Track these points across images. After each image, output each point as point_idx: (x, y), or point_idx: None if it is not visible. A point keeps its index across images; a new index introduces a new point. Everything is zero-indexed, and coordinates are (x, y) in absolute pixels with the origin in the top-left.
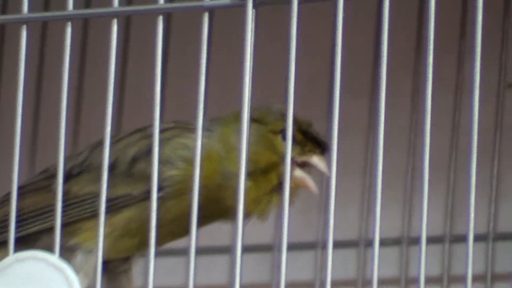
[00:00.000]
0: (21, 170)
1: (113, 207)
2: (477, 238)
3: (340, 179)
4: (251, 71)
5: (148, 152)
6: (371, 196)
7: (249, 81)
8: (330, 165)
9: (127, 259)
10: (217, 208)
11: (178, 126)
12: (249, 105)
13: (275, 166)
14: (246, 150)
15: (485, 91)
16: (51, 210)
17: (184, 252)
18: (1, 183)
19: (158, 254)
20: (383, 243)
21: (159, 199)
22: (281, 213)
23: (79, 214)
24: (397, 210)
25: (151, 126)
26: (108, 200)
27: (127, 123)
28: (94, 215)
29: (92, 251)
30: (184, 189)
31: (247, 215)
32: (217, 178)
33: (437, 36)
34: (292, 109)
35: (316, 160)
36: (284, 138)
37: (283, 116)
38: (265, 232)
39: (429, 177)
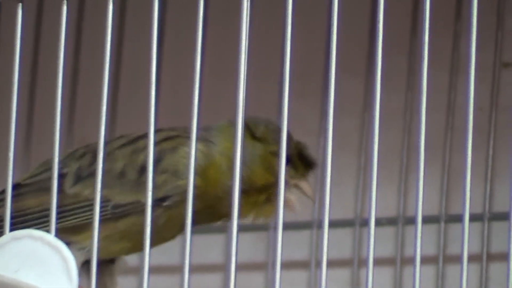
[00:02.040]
0: (16, 163)
1: (121, 212)
2: (473, 217)
3: (336, 158)
4: (245, 70)
5: (157, 161)
6: (367, 175)
7: (244, 72)
8: (325, 146)
9: (112, 260)
10: (212, 213)
11: (181, 134)
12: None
13: (269, 186)
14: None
15: (481, 71)
16: (62, 211)
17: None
18: None
19: None
20: (378, 222)
21: (165, 207)
22: (277, 193)
23: (90, 218)
24: (393, 189)
25: (158, 131)
26: (118, 206)
27: (122, 114)
28: (105, 219)
29: (83, 249)
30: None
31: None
32: (217, 190)
33: (433, 16)
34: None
35: (305, 186)
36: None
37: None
38: None
39: (424, 157)
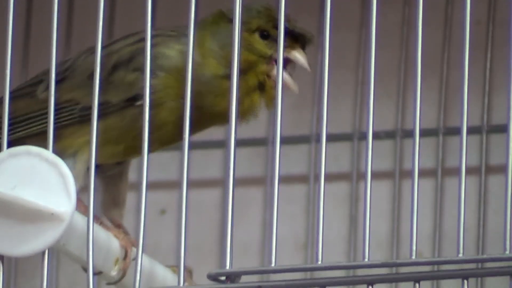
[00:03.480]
0: (14, 74)
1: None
2: (471, 130)
3: (333, 73)
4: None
5: (129, 60)
6: (364, 90)
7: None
8: (322, 61)
9: (120, 163)
10: (199, 115)
11: (160, 33)
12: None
13: (253, 65)
14: (225, 52)
15: None
16: (35, 116)
17: (178, 146)
18: None
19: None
20: (377, 136)
21: (139, 107)
22: (274, 107)
23: (60, 121)
24: (390, 103)
25: (135, 33)
26: (87, 108)
27: (119, 26)
28: (73, 122)
29: (76, 155)
30: (164, 98)
31: (227, 120)
32: (196, 85)
33: None
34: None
35: (295, 55)
36: (261, 36)
37: (259, 14)
38: (259, 126)
39: (422, 71)
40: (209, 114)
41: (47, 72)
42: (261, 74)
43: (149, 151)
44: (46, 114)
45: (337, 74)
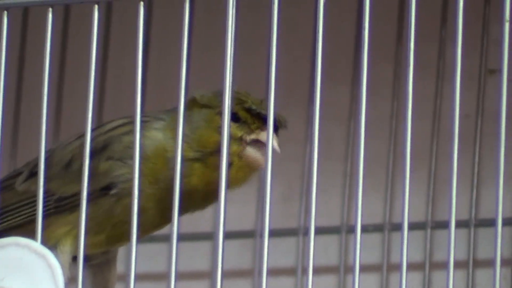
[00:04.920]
0: (3, 163)
1: (69, 204)
2: (459, 224)
3: (322, 165)
4: (232, 58)
5: (102, 148)
6: (352, 182)
7: (230, 67)
8: (311, 154)
9: (106, 251)
10: (190, 197)
11: (131, 121)
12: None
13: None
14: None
15: (466, 78)
16: (15, 208)
17: (166, 238)
18: None
19: (140, 241)
20: (365, 229)
21: (114, 196)
22: (263, 200)
23: (34, 213)
24: (379, 196)
25: (110, 122)
26: (62, 199)
27: (109, 111)
28: (49, 214)
29: (57, 247)
30: (140, 186)
31: (202, 198)
32: (168, 169)
33: (418, 23)
34: (231, 87)
35: (265, 136)
36: (232, 119)
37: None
38: (247, 218)
39: (410, 164)
40: (186, 195)
41: (26, 164)
42: (232, 155)
43: (127, 240)
44: (24, 206)
45: (326, 165)
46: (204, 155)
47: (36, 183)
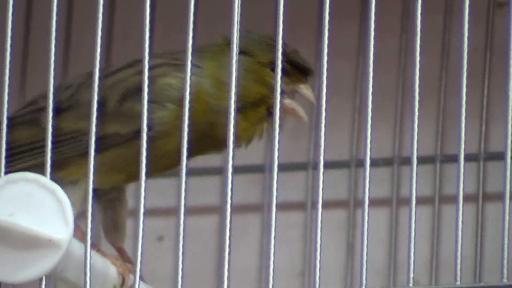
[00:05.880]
0: (11, 98)
1: (102, 145)
2: (468, 158)
3: (331, 100)
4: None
5: (137, 90)
6: (361, 117)
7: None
8: (319, 89)
9: (116, 187)
10: (208, 143)
11: (167, 63)
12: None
13: (265, 98)
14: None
15: (475, 11)
16: (41, 146)
17: (176, 173)
18: None
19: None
20: (374, 163)
21: (148, 138)
22: (272, 134)
23: (68, 152)
24: (388, 130)
25: (140, 61)
26: (97, 139)
27: (117, 51)
28: (83, 153)
29: (77, 182)
30: (173, 129)
31: (237, 144)
32: (208, 115)
33: None
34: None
35: (303, 89)
36: (272, 69)
37: (270, 47)
38: (256, 153)
39: (419, 98)
40: (217, 143)
41: (43, 97)
42: (271, 106)
43: (148, 177)
44: (54, 143)
45: (335, 101)
46: (245, 106)
47: (66, 120)
